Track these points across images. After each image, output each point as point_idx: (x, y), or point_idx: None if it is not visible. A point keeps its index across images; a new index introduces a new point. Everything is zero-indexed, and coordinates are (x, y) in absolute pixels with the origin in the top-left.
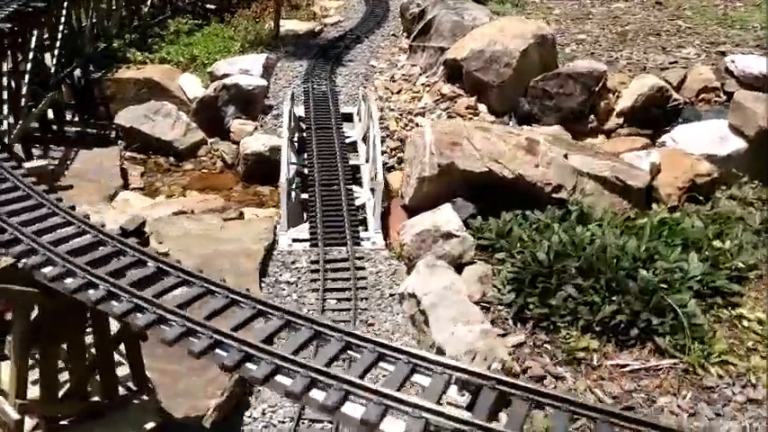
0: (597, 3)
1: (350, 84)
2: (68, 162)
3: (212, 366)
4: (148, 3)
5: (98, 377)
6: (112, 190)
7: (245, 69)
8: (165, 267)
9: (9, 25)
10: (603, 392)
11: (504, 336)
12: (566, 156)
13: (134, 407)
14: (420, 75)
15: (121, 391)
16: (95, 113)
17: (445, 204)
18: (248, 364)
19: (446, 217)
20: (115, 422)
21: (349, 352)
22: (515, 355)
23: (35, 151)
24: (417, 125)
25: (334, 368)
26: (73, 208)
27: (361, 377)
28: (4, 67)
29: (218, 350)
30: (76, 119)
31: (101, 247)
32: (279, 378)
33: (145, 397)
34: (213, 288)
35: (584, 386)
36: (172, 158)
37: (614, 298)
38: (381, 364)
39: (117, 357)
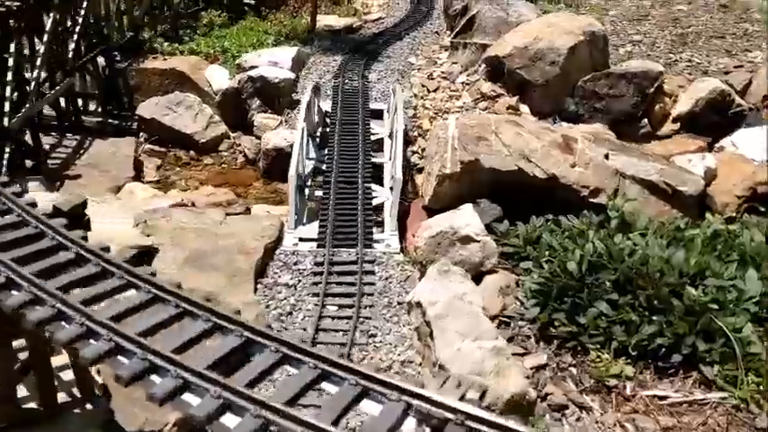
0: (657, 5)
1: (384, 80)
2: (81, 151)
3: None
4: None
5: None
6: (122, 181)
7: (273, 62)
8: (85, 254)
9: (18, 3)
10: (636, 428)
11: (522, 355)
12: (606, 156)
13: (75, 417)
14: (460, 73)
15: (64, 397)
16: (119, 105)
17: (465, 205)
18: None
19: (466, 219)
20: None
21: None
22: (534, 378)
23: (49, 139)
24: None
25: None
26: (5, 185)
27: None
28: (11, 48)
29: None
30: (99, 109)
31: (19, 229)
32: None
33: (89, 406)
34: (137, 282)
35: (614, 420)
36: (192, 152)
37: (655, 318)
38: (324, 384)
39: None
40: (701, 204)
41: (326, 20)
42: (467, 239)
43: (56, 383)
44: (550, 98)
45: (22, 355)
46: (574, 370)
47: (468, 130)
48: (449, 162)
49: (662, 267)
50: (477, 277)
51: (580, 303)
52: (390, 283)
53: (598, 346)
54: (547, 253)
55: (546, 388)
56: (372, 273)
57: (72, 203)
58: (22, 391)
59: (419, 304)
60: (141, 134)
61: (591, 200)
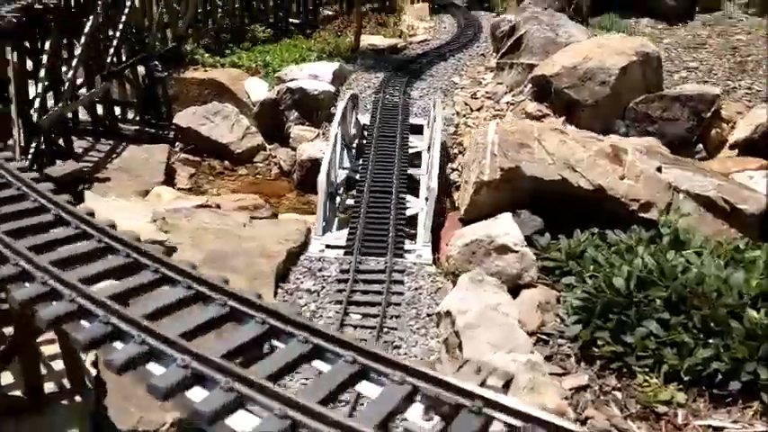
0: (714, 34)
1: (426, 97)
2: (114, 156)
3: None
4: (225, 7)
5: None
6: (151, 186)
7: (314, 75)
8: (65, 216)
9: (55, 1)
10: None
11: (561, 376)
12: (659, 169)
13: (62, 408)
14: (505, 93)
15: (53, 387)
16: (157, 114)
17: (504, 213)
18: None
19: (504, 227)
20: (32, 424)
21: None
22: (573, 400)
23: (83, 143)
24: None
25: None
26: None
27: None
28: (46, 46)
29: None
30: (136, 118)
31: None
32: None
33: (78, 398)
34: (114, 244)
35: None
36: (226, 162)
37: (711, 341)
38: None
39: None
40: (763, 225)
41: (371, 39)
42: (504, 249)
43: (44, 372)
44: (599, 119)
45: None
46: (618, 394)
47: (510, 136)
48: (488, 169)
49: (719, 287)
50: (514, 290)
51: (627, 322)
52: (420, 294)
53: (646, 369)
54: (591, 268)
55: (586, 411)
56: (401, 282)
57: (66, 171)
58: (7, 378)
59: (448, 313)
60: (177, 143)
61: (641, 214)
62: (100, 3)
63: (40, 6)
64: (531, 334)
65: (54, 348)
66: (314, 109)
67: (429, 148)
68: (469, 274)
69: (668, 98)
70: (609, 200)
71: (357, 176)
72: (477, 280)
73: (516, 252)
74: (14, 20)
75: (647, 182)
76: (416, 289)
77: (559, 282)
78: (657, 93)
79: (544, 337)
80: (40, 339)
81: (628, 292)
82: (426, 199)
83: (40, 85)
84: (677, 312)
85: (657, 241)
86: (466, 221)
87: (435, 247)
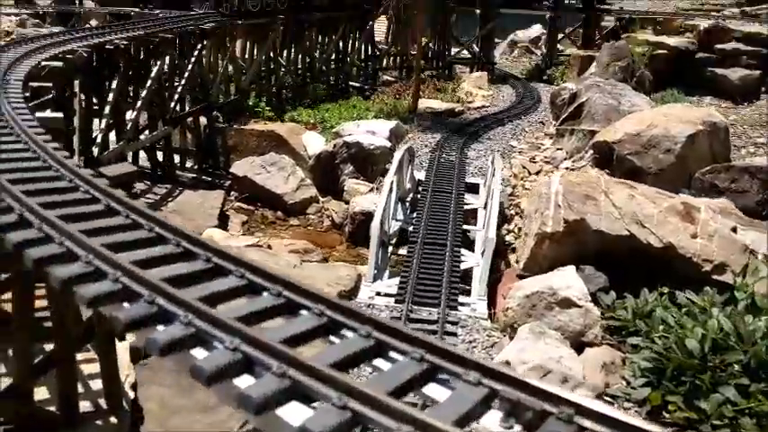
0: None
1: (482, 158)
2: (170, 199)
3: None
4: (288, 66)
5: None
6: (203, 229)
7: (371, 131)
8: (115, 206)
9: (125, 42)
10: None
11: None
12: (734, 230)
13: (95, 428)
14: (565, 159)
15: (89, 407)
16: (215, 163)
17: (568, 266)
18: None
19: (567, 280)
20: None
21: None
22: None
23: (141, 185)
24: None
25: None
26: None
27: None
28: (113, 85)
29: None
30: (195, 166)
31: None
32: None
33: (113, 419)
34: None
35: None
36: (279, 212)
37: None
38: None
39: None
40: None
41: (429, 103)
42: (567, 303)
43: (81, 391)
44: (664, 188)
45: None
46: None
47: (575, 187)
48: (551, 220)
49: None
50: (577, 348)
51: (701, 387)
52: (474, 347)
53: None
54: (660, 329)
55: None
56: (454, 335)
57: (120, 171)
58: (42, 394)
59: (507, 364)
60: (232, 191)
61: (714, 276)
62: (168, 51)
63: (111, 46)
64: (596, 397)
65: (94, 368)
66: (369, 164)
67: (485, 205)
68: (529, 326)
69: (737, 169)
70: (679, 259)
71: (411, 228)
72: (537, 332)
73: (580, 307)
74: (85, 55)
75: (721, 242)
76: (470, 342)
77: (625, 342)
78: (725, 164)
79: (609, 399)
80: (80, 357)
81: (702, 355)
82: (483, 252)
83: (103, 122)
84: (757, 379)
85: (732, 305)
86: (525, 277)
87: (491, 303)
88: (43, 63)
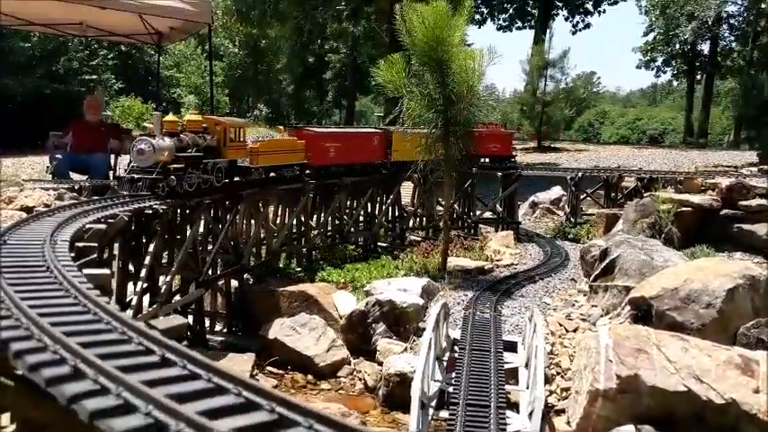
0: None
1: (517, 315)
2: None
3: None
4: (318, 229)
5: None
6: None
7: (402, 288)
8: (170, 356)
9: (164, 207)
10: None
11: None
12: None
13: None
14: (601, 316)
15: None
16: (245, 326)
17: (624, 427)
18: None
19: None
20: None
21: None
22: None
23: None
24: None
25: None
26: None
27: None
28: (151, 248)
29: None
30: (224, 330)
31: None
32: None
33: None
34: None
35: None
36: (310, 376)
37: None
38: None
39: None
40: None
41: (458, 261)
42: None
43: None
44: None
45: None
46: None
47: (625, 341)
48: (602, 376)
49: None
50: None
51: None
52: None
53: None
54: None
55: None
56: None
57: (172, 323)
58: None
59: None
60: (261, 354)
61: None
62: (204, 214)
63: (150, 211)
64: None
65: None
66: (402, 322)
67: (527, 363)
68: None
69: None
70: (743, 416)
71: (450, 389)
72: None
73: None
74: (126, 219)
75: None
76: None
77: None
78: None
79: None
80: None
81: None
82: (530, 414)
83: (138, 285)
84: None
85: None
86: None
87: None
88: (87, 225)
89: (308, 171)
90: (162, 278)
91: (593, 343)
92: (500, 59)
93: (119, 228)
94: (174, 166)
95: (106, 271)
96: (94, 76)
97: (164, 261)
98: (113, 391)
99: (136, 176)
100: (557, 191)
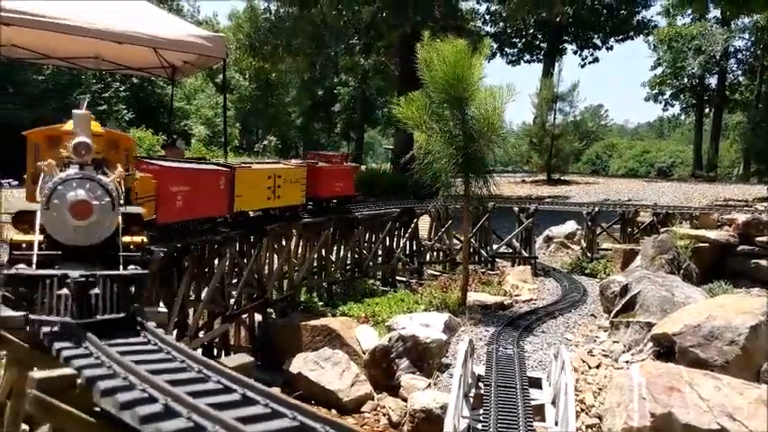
0: None
1: (540, 351)
2: None
3: None
4: (339, 264)
5: None
6: None
7: (425, 324)
8: (230, 384)
9: (195, 244)
10: None
11: None
12: None
13: None
14: (623, 352)
15: None
16: (268, 360)
17: None
18: None
19: None
20: None
21: None
22: None
23: None
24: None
25: None
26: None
27: None
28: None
29: None
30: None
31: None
32: None
33: None
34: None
35: None
36: (333, 411)
37: None
38: None
39: None
40: None
41: (477, 296)
42: None
43: None
44: None
45: None
46: None
47: (657, 378)
48: (636, 414)
49: None
50: None
51: None
52: None
53: None
54: None
55: None
56: None
57: (239, 362)
58: None
59: None
60: (285, 389)
61: None
62: (230, 249)
63: (179, 245)
64: None
65: None
66: (425, 358)
67: (554, 400)
68: None
69: None
70: None
71: (479, 425)
72: None
73: None
74: (161, 254)
75: None
76: None
77: None
78: None
79: None
80: None
81: None
82: None
83: (171, 321)
84: None
85: None
86: None
87: None
88: None
89: None
90: (191, 313)
91: (626, 381)
92: (518, 96)
93: (155, 266)
94: None
95: (164, 310)
96: (106, 107)
97: (192, 297)
98: (209, 429)
99: None
100: (571, 225)
